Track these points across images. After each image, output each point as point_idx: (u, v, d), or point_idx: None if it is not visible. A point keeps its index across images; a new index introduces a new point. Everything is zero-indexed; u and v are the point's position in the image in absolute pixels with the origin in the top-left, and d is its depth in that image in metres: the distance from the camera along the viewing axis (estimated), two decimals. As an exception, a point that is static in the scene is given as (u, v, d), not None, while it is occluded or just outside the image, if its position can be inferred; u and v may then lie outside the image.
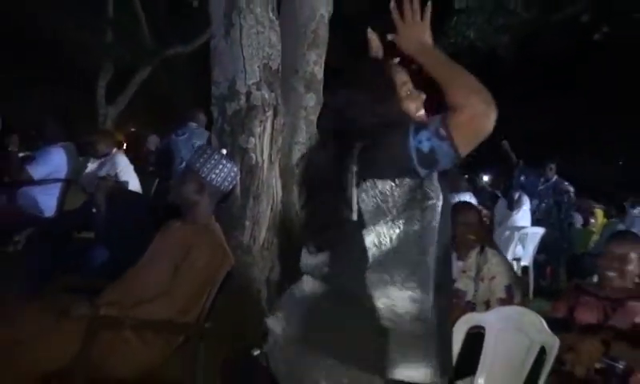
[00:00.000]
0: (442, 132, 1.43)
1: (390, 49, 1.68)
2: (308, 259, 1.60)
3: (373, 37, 1.75)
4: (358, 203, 1.49)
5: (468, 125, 1.44)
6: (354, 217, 1.49)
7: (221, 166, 2.74)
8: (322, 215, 1.54)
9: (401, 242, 1.49)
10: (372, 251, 1.49)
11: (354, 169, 1.49)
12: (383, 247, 1.48)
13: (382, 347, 1.46)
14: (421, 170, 1.47)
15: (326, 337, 1.49)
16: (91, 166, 5.11)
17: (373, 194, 1.49)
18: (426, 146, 1.44)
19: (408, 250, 1.50)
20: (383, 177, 1.49)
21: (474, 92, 1.45)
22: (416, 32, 1.62)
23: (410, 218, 1.49)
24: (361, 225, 1.50)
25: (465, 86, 1.46)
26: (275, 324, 1.58)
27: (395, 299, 1.47)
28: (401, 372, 1.45)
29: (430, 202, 1.52)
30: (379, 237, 1.49)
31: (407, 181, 1.49)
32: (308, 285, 1.58)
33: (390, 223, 1.49)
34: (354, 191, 1.49)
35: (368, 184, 1.49)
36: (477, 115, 1.43)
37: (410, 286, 1.48)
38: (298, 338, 1.52)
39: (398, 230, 1.49)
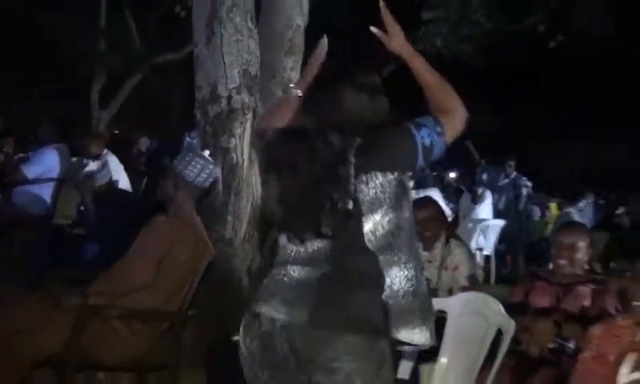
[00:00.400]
0: (439, 129, 1.53)
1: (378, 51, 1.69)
2: (293, 247, 1.54)
3: (323, 45, 1.71)
4: (355, 193, 1.48)
5: (458, 125, 1.58)
6: (351, 206, 1.48)
7: (193, 163, 2.76)
8: (319, 204, 1.50)
9: (396, 228, 1.51)
10: (368, 237, 1.50)
11: (353, 161, 1.48)
12: (378, 233, 1.50)
13: (385, 316, 1.49)
14: (420, 163, 1.55)
15: (339, 315, 1.48)
16: (92, 165, 5.03)
17: (373, 185, 1.49)
18: (427, 142, 1.52)
19: (404, 235, 1.53)
20: (385, 170, 1.50)
21: (458, 97, 1.59)
22: (402, 36, 1.65)
23: (400, 207, 1.52)
24: (358, 213, 1.49)
25: (452, 91, 1.59)
26: (271, 311, 1.52)
27: (395, 278, 1.50)
28: (403, 335, 1.50)
29: (410, 193, 1.59)
30: (376, 225, 1.50)
31: (401, 174, 1.53)
32: (298, 271, 1.53)
33: (385, 212, 1.50)
34: (352, 182, 1.48)
35: (368, 176, 1.49)
36: (463, 117, 1.59)
37: (408, 266, 1.52)
38: (310, 320, 1.47)
39: (389, 218, 1.51)
